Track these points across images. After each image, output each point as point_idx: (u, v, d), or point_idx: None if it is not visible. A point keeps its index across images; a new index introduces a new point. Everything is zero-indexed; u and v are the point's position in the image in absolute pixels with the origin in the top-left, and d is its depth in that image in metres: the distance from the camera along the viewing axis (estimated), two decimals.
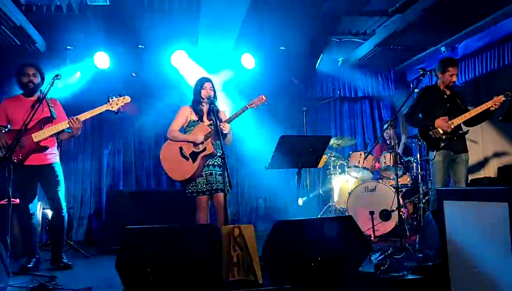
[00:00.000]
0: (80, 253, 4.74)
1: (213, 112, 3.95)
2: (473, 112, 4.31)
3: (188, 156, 3.99)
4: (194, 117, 4.15)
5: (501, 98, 4.21)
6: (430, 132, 4.39)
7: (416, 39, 5.80)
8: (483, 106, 4.26)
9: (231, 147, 4.54)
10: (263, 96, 4.03)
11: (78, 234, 6.28)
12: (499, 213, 2.32)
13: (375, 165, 6.05)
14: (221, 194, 4.01)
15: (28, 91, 4.04)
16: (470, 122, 4.45)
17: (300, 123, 6.66)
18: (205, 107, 4.18)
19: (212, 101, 4.01)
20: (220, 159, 3.94)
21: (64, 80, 6.21)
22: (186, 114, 4.17)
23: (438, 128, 4.36)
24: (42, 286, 3.15)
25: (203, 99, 4.11)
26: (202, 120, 4.14)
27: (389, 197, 5.45)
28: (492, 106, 4.22)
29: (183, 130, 4.19)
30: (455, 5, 4.70)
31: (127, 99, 4.03)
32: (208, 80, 4.20)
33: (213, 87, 4.17)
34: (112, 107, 3.97)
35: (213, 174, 4.04)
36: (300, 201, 6.46)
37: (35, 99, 3.97)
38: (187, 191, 4.05)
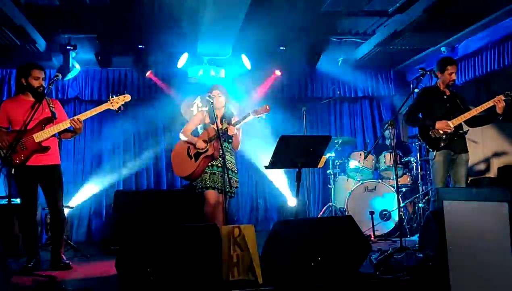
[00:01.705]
0: (80, 253, 4.74)
1: (219, 119, 4.18)
2: (473, 112, 4.31)
3: (192, 155, 4.20)
4: (208, 120, 4.32)
5: (502, 97, 4.20)
6: (430, 132, 4.39)
7: (416, 39, 5.79)
8: (483, 106, 4.26)
9: (231, 147, 4.57)
10: (267, 106, 4.14)
11: (78, 234, 6.28)
12: (499, 213, 2.32)
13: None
14: (221, 196, 4.15)
15: (37, 95, 3.97)
16: (473, 123, 4.44)
17: (300, 124, 6.67)
18: (219, 114, 4.33)
19: (215, 109, 4.14)
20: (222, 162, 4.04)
21: (64, 80, 6.24)
22: (201, 117, 4.38)
23: (438, 129, 4.36)
24: (42, 286, 3.16)
25: (216, 107, 4.23)
26: (214, 124, 4.23)
27: (389, 197, 5.46)
28: (494, 104, 4.21)
29: (198, 131, 4.37)
30: (455, 5, 4.70)
31: (128, 97, 4.03)
32: (216, 87, 4.33)
33: (223, 93, 4.32)
34: (112, 106, 3.97)
35: (216, 174, 4.19)
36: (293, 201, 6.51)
37: (35, 100, 3.97)
38: (196, 188, 4.23)
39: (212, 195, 4.15)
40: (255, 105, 4.27)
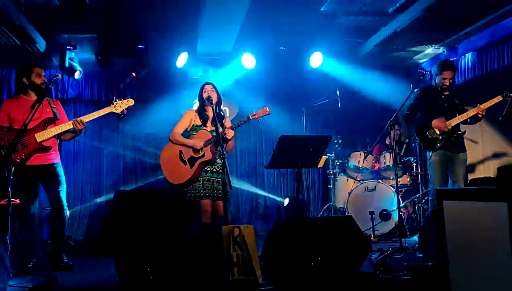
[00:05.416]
0: (80, 253, 4.74)
1: (216, 118, 3.95)
2: (470, 112, 4.33)
3: (186, 160, 3.99)
4: (198, 121, 4.15)
5: (486, 105, 4.24)
6: (427, 133, 4.39)
7: (416, 39, 5.79)
8: (469, 113, 4.30)
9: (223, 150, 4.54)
10: (267, 108, 4.01)
11: (78, 234, 6.28)
12: (499, 213, 2.32)
13: (375, 165, 6.05)
14: (220, 203, 3.99)
15: (40, 92, 4.00)
16: (467, 123, 4.46)
17: (300, 124, 6.67)
18: (210, 113, 4.14)
19: (212, 102, 3.99)
20: (219, 166, 3.96)
21: (64, 80, 6.24)
22: (190, 118, 4.17)
23: (435, 129, 4.37)
24: (42, 286, 3.16)
25: (205, 101, 4.12)
26: (205, 125, 4.14)
27: (389, 197, 5.46)
28: (478, 113, 4.26)
29: (187, 134, 4.18)
30: (455, 5, 4.70)
31: (131, 102, 4.05)
32: (209, 83, 4.22)
33: (215, 90, 4.17)
34: (116, 109, 3.99)
35: (211, 180, 4.00)
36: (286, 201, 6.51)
37: (35, 99, 3.98)
38: (187, 195, 4.00)
39: (208, 204, 3.95)
40: (256, 106, 4.11)
